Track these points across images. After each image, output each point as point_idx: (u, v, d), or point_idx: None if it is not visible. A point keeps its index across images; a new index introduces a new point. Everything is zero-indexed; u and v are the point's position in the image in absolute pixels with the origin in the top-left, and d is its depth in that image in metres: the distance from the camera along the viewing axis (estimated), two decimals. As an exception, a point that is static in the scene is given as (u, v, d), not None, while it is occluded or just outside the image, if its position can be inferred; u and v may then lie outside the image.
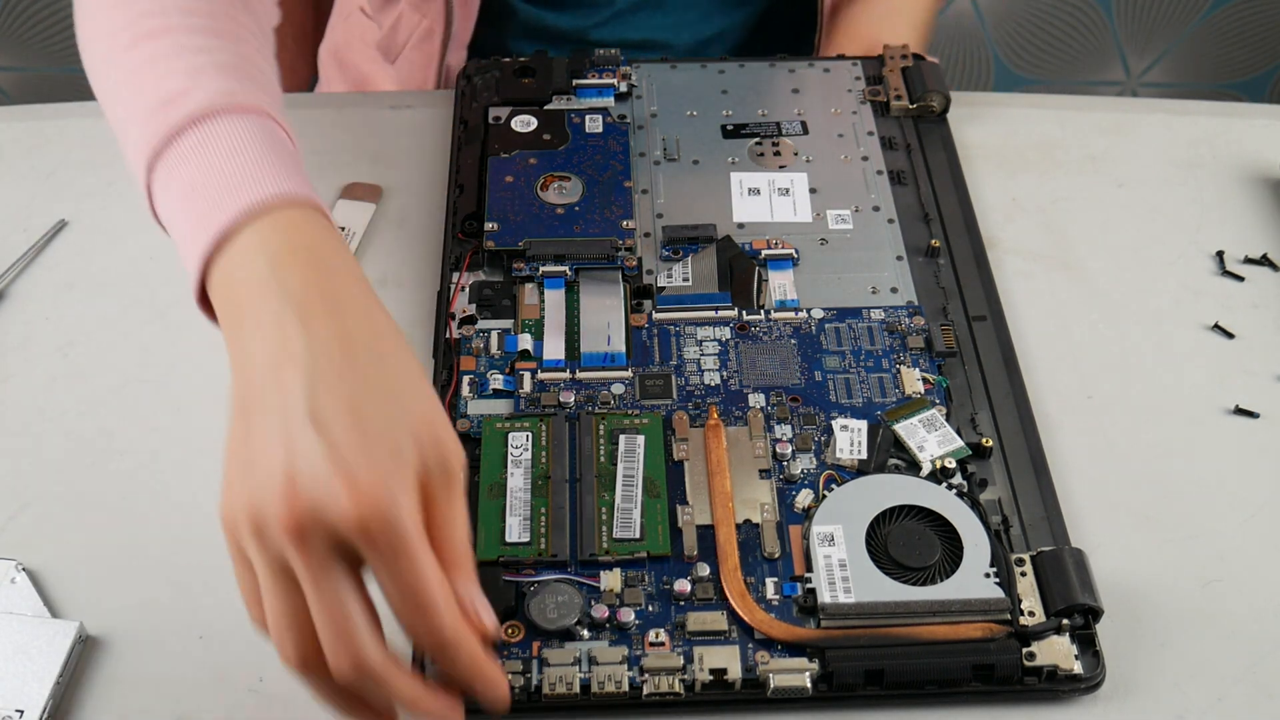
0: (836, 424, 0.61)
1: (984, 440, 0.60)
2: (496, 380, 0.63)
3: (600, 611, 0.54)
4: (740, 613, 0.54)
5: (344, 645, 0.44)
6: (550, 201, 0.70)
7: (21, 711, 0.53)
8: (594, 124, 0.75)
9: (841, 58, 0.81)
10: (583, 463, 0.59)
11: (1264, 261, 0.73)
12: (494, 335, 0.65)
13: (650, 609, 0.55)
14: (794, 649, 0.53)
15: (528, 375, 0.63)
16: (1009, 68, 1.66)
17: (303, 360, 0.45)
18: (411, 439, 0.45)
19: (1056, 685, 0.53)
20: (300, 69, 1.02)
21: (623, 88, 0.78)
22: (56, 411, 0.66)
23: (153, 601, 0.58)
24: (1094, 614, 0.54)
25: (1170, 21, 1.61)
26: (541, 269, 0.67)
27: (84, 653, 0.56)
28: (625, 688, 0.52)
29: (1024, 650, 0.53)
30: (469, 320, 0.66)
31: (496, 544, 0.56)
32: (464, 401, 0.62)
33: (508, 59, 0.80)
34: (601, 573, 0.56)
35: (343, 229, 0.73)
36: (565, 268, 0.67)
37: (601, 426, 0.60)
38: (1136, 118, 0.82)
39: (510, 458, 0.59)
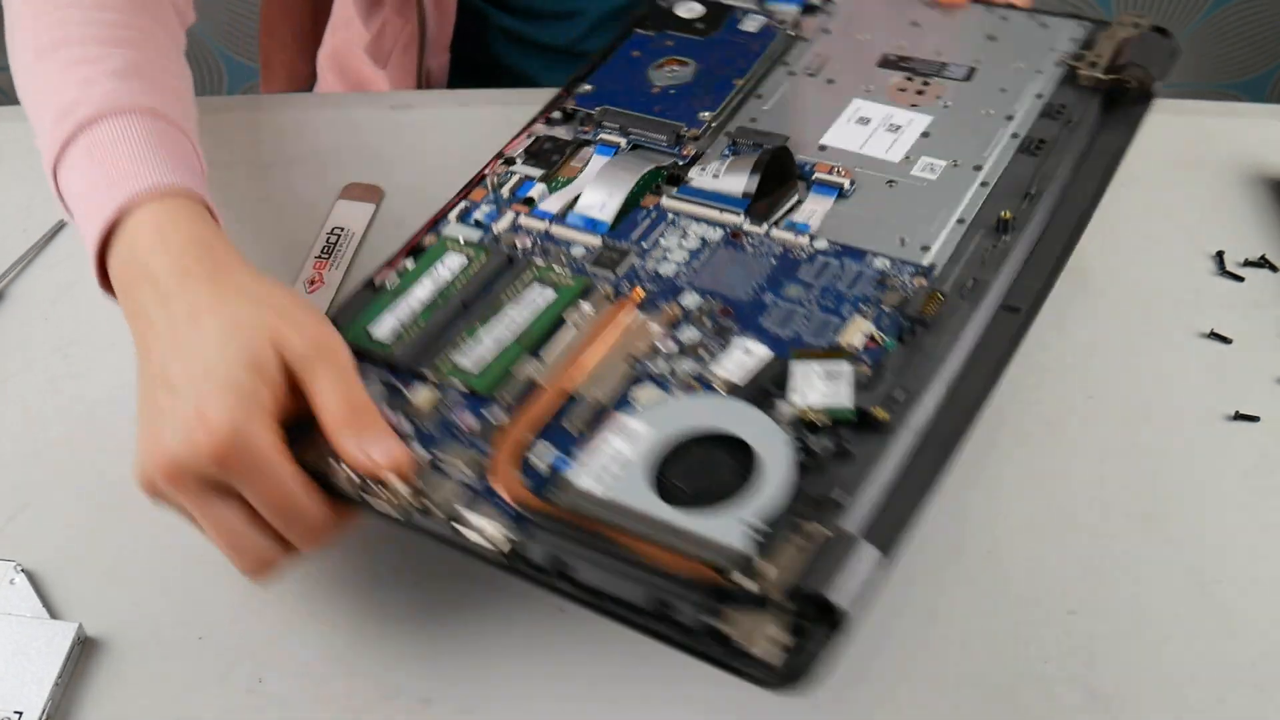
0: (740, 343, 0.57)
1: (877, 411, 0.53)
2: (481, 213, 0.65)
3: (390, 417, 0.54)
4: (493, 462, 0.52)
5: (239, 554, 0.52)
6: (655, 82, 0.72)
7: (20, 713, 0.53)
8: (751, 24, 0.76)
9: (1072, 16, 0.75)
10: (488, 298, 0.60)
11: (1263, 264, 0.73)
12: (515, 178, 0.67)
13: (434, 434, 0.54)
14: (516, 515, 0.51)
15: (511, 216, 0.65)
16: (1009, 68, 1.66)
17: (161, 335, 0.53)
18: (254, 367, 0.51)
19: (730, 659, 0.46)
20: (300, 70, 1.03)
21: (816, 0, 0.78)
22: (56, 412, 0.66)
23: (152, 603, 0.58)
24: (834, 616, 0.46)
25: (1170, 21, 1.61)
26: (600, 135, 0.69)
27: (83, 654, 0.56)
28: (356, 483, 0.51)
29: (716, 608, 0.47)
30: (509, 161, 0.68)
31: (363, 336, 0.58)
32: (446, 222, 0.65)
33: None
34: (417, 385, 0.56)
35: (341, 229, 0.73)
36: (622, 139, 0.68)
37: (528, 274, 0.61)
38: (1136, 118, 0.82)
39: (432, 272, 0.61)
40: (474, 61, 0.95)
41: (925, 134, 0.68)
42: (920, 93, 0.71)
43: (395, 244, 0.73)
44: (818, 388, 0.54)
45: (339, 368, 0.53)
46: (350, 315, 0.60)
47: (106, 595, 0.58)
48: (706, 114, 0.69)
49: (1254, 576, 0.59)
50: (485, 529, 0.50)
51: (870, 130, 0.69)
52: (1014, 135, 0.67)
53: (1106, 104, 0.69)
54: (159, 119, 0.59)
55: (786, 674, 0.45)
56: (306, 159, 0.78)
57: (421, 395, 0.55)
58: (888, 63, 0.73)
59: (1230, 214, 0.76)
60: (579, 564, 0.49)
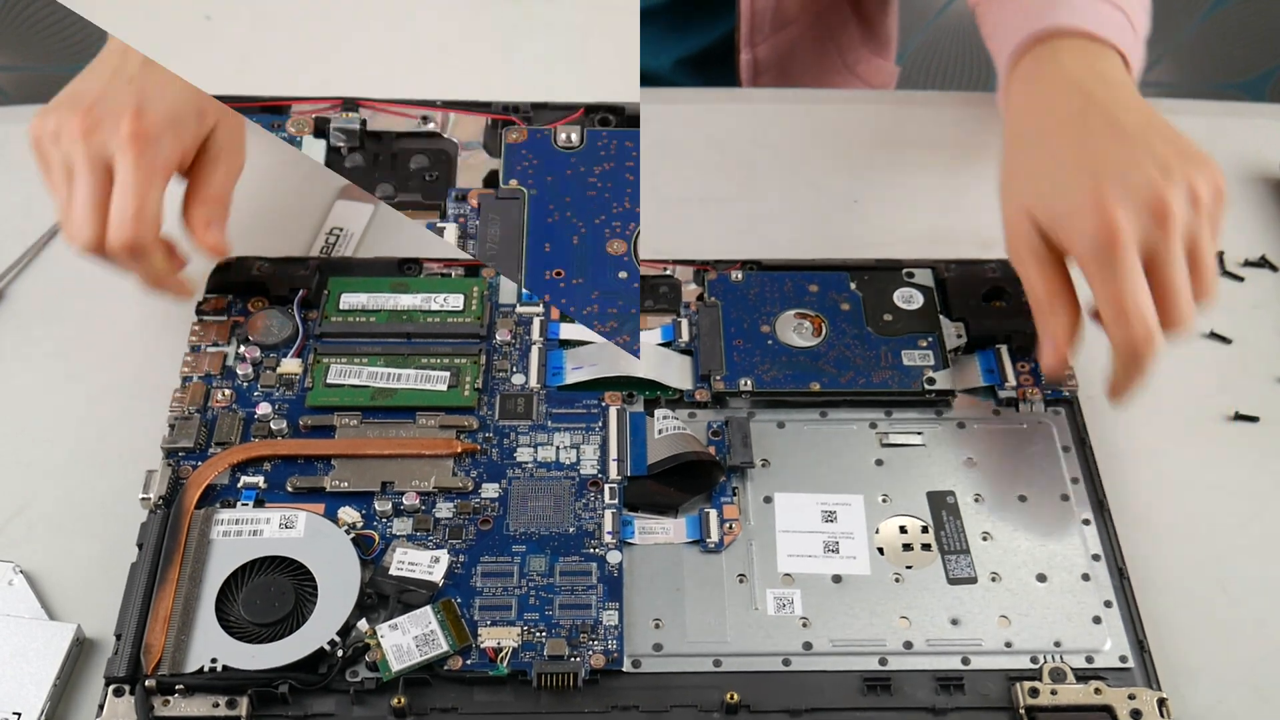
0: (442, 554, 0.57)
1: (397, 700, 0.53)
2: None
3: None
4: None
5: (71, 219, 0.60)
6: (781, 328, 0.66)
7: (19, 714, 0.53)
8: (939, 377, 0.64)
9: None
10: (427, 348, 0.64)
11: (1263, 264, 0.73)
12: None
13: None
14: None
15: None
16: (1009, 68, 1.65)
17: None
18: (198, 115, 0.62)
19: None
20: (299, 69, 1.02)
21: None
22: (55, 412, 0.66)
23: (151, 603, 0.58)
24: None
25: (1170, 21, 1.61)
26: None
27: (81, 655, 0.56)
28: None
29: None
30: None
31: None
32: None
33: None
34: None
35: (340, 230, 0.73)
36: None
37: (468, 360, 0.64)
38: (1136, 118, 0.81)
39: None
40: None
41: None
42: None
43: (394, 243, 0.73)
44: (406, 633, 0.54)
45: (232, 167, 0.64)
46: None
47: (105, 596, 0.58)
48: (748, 382, 0.63)
49: (1254, 576, 0.59)
50: None
51: (815, 539, 0.59)
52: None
53: None
54: None
55: None
56: (305, 159, 0.78)
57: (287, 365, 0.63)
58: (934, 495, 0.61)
59: (1230, 214, 0.75)
60: None
